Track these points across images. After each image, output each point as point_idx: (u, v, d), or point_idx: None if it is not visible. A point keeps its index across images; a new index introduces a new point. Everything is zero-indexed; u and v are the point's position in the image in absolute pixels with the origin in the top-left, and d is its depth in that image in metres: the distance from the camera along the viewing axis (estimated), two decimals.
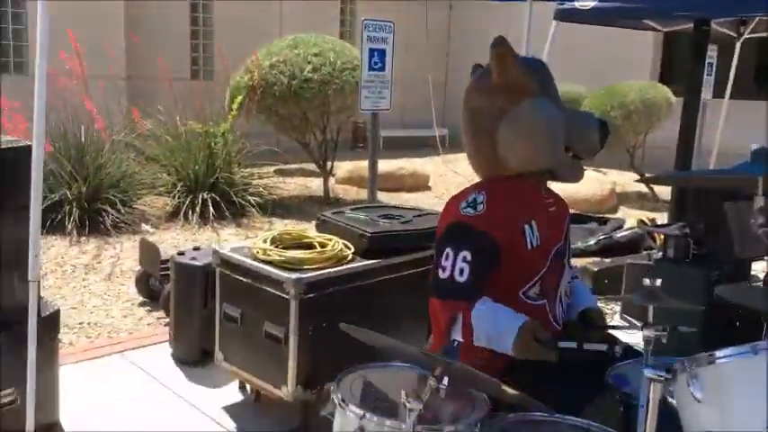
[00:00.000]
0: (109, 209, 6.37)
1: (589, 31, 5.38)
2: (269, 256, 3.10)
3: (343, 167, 9.83)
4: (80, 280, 5.14)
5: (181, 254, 3.77)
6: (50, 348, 2.97)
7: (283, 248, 3.21)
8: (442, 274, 2.12)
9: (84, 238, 6.15)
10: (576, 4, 3.73)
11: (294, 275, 2.93)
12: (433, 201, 8.84)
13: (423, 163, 11.66)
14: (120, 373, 3.61)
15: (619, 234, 5.93)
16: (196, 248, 3.90)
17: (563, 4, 3.80)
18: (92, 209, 6.37)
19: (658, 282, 1.83)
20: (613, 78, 10.04)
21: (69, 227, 6.16)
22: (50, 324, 2.95)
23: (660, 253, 4.18)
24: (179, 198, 7.19)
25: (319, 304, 3.00)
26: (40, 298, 2.99)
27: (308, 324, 2.98)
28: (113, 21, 10.42)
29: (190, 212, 7.02)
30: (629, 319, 4.59)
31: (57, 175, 6.31)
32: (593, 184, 8.52)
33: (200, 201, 7.03)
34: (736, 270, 3.91)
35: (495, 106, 2.20)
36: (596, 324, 2.33)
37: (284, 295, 2.94)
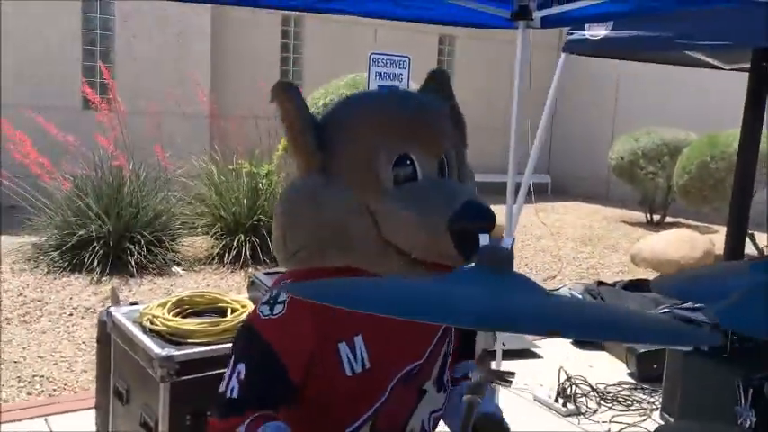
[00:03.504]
0: (135, 249, 6.13)
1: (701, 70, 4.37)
2: (155, 324, 2.58)
3: None
4: (69, 325, 4.87)
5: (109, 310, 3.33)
6: None
7: (187, 314, 2.71)
8: (221, 386, 1.53)
9: (105, 278, 5.94)
10: (587, 34, 3.02)
11: (165, 351, 2.39)
12: None
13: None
14: None
15: (686, 307, 4.96)
16: (134, 303, 3.45)
17: (572, 34, 3.10)
18: (119, 248, 6.17)
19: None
20: (726, 124, 8.90)
21: (94, 266, 5.98)
22: None
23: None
24: (216, 239, 6.90)
25: (200, 389, 2.43)
26: None
27: (185, 413, 2.43)
28: (200, 59, 10.50)
29: (226, 255, 6.71)
30: (668, 418, 3.68)
31: (85, 212, 6.17)
32: (683, 243, 7.45)
33: (235, 243, 6.69)
34: None
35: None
36: None
37: (154, 375, 2.41)
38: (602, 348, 4.82)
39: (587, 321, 0.78)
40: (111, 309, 2.83)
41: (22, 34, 9.29)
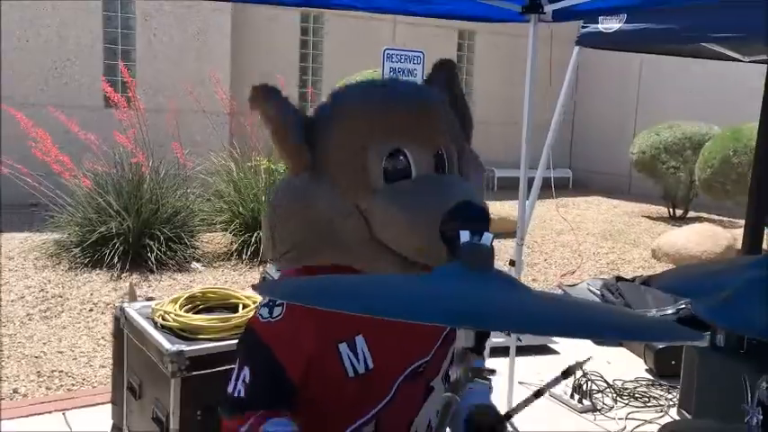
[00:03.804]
0: (154, 245, 6.19)
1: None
2: (166, 320, 2.61)
3: None
4: (89, 320, 4.93)
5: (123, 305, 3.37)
6: None
7: (199, 310, 2.73)
8: (229, 387, 1.52)
9: (126, 274, 6.01)
10: (600, 27, 2.99)
11: (175, 347, 2.41)
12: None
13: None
14: None
15: None
16: (149, 299, 3.49)
17: (586, 27, 3.07)
18: (139, 244, 6.23)
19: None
20: (749, 117, 8.77)
21: (115, 262, 6.05)
22: None
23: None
24: (235, 235, 6.94)
25: (210, 384, 2.45)
26: None
27: (195, 408, 2.45)
28: (220, 57, 10.55)
29: (244, 251, 6.75)
30: (685, 414, 3.64)
31: (105, 209, 6.24)
32: (705, 238, 7.35)
33: (254, 240, 6.73)
34: None
35: None
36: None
37: (165, 371, 2.43)
38: (620, 345, 4.78)
39: (565, 319, 0.77)
40: (124, 305, 2.86)
41: (45, 34, 9.41)
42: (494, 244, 0.92)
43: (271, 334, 1.46)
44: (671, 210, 10.94)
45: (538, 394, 1.27)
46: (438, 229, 1.33)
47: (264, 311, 1.49)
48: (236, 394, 1.49)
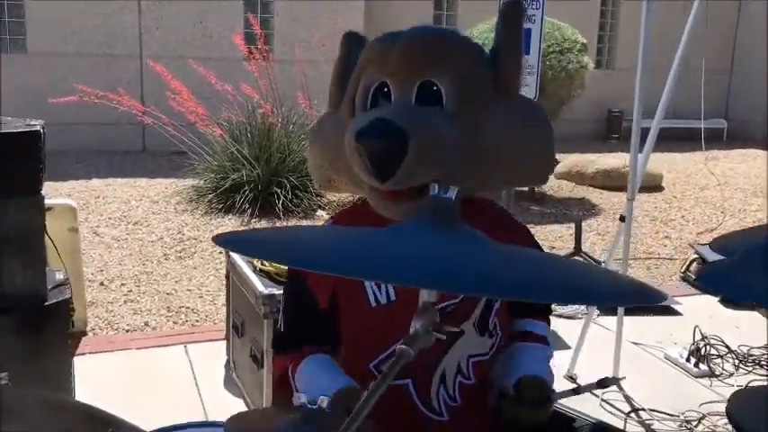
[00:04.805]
0: (281, 192, 6.44)
1: None
2: (264, 264, 2.73)
3: (569, 159, 9.01)
4: (218, 263, 5.23)
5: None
6: (55, 340, 2.91)
7: None
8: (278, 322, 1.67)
9: (255, 220, 6.31)
10: None
11: (268, 290, 2.53)
12: (652, 206, 7.58)
13: (674, 159, 10.21)
14: (162, 365, 3.51)
15: None
16: None
17: None
18: (267, 192, 6.51)
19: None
20: None
21: (245, 208, 6.38)
22: (52, 314, 2.89)
23: None
24: None
25: None
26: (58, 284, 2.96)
27: None
28: (354, 10, 10.64)
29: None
30: None
31: (238, 158, 6.55)
32: None
33: None
34: None
35: None
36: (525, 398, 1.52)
37: (258, 312, 2.56)
38: (752, 308, 4.45)
39: (521, 279, 0.71)
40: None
41: None
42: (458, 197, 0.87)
43: None
44: None
45: (576, 391, 1.41)
46: (355, 147, 1.44)
47: None
48: (281, 327, 1.61)
